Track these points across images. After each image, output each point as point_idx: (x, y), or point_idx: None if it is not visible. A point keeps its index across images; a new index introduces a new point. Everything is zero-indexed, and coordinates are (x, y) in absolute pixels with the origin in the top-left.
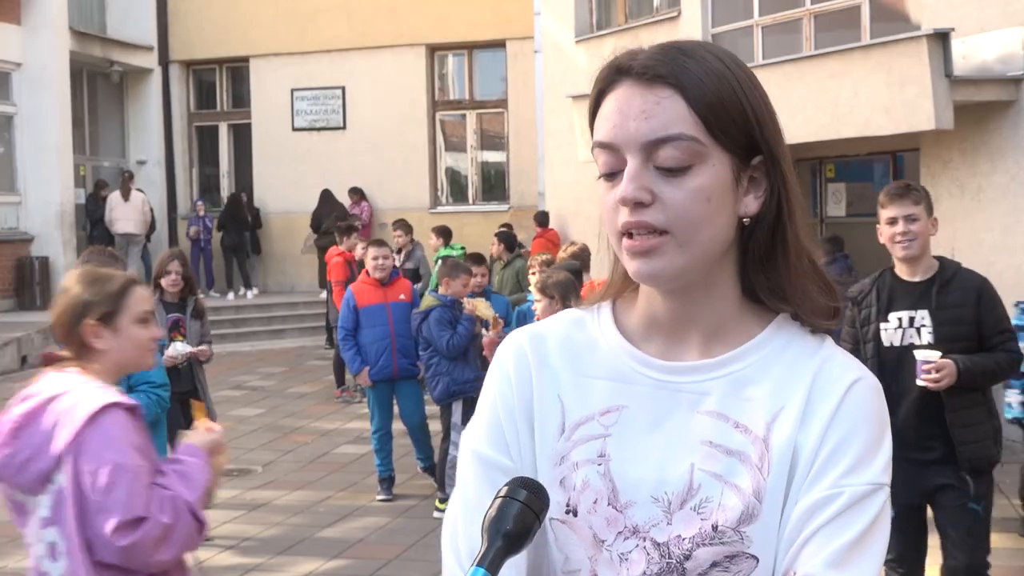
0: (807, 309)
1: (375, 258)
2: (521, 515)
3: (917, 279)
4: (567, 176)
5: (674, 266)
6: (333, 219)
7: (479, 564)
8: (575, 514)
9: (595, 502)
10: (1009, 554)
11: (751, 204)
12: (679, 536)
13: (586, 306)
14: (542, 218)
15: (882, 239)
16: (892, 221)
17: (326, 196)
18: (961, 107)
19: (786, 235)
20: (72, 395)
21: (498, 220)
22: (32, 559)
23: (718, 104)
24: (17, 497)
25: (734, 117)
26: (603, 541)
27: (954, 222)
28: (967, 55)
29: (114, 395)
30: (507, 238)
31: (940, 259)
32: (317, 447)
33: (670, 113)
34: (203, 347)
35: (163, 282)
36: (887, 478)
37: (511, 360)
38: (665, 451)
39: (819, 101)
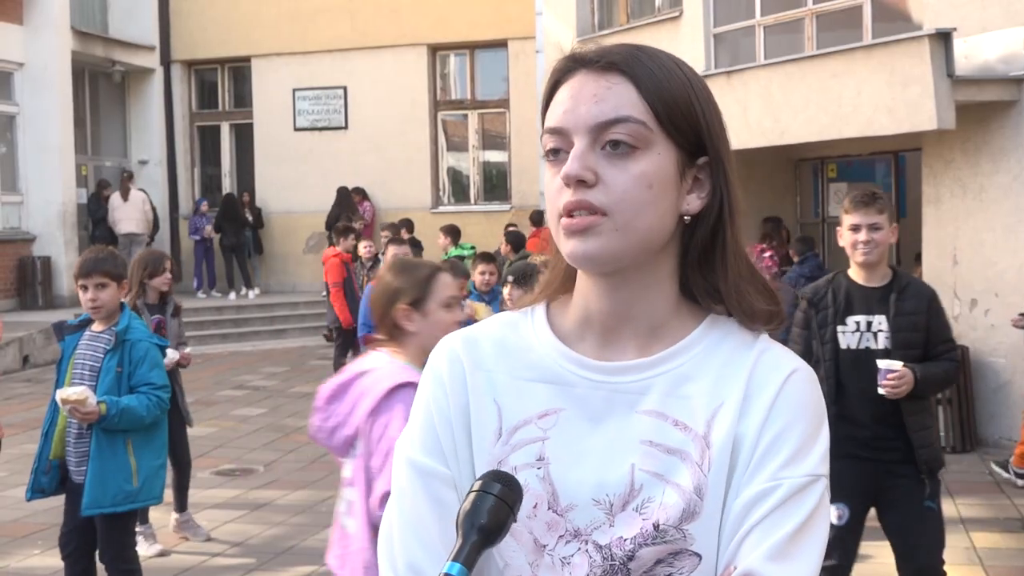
0: (741, 311)
1: (395, 256)
2: (495, 509)
3: (874, 285)
4: None
5: (609, 248)
6: (345, 218)
7: (455, 559)
8: (514, 519)
9: (535, 506)
10: (1010, 554)
11: (693, 202)
12: (621, 537)
13: (520, 308)
14: (537, 217)
15: (841, 242)
16: (855, 228)
17: (343, 195)
18: (963, 107)
19: (725, 237)
20: (378, 372)
21: (500, 220)
22: (337, 514)
23: (668, 97)
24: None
25: (683, 112)
26: (544, 546)
27: (956, 222)
28: (969, 55)
29: (413, 375)
30: (515, 238)
31: (892, 267)
32: (319, 447)
33: (620, 98)
34: (187, 351)
35: (156, 282)
36: (825, 469)
37: (444, 364)
38: (605, 453)
39: (821, 101)
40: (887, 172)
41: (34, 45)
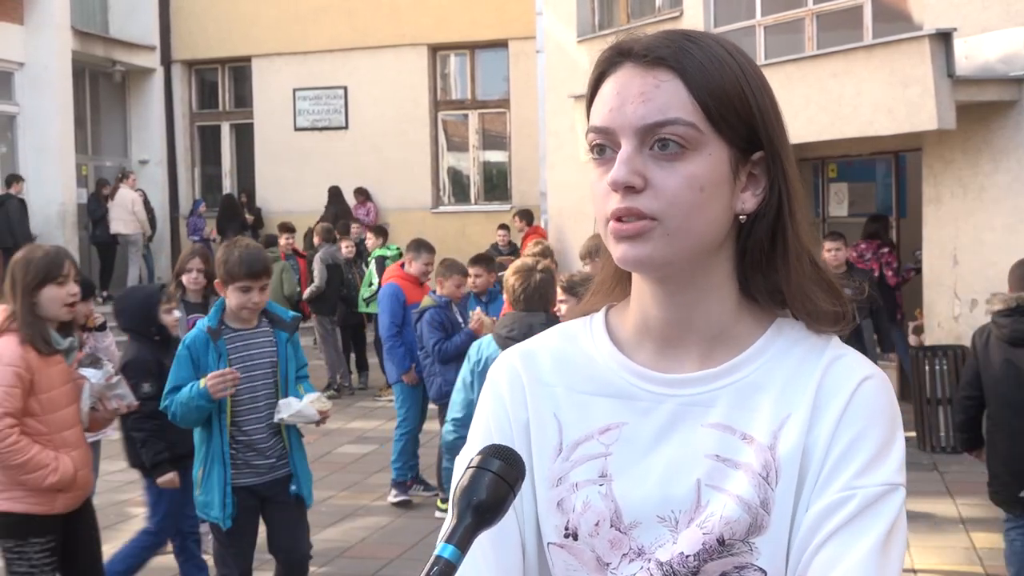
0: (807, 312)
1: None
2: (494, 486)
3: None
4: (569, 176)
5: (660, 253)
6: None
7: (447, 541)
8: (575, 537)
9: (597, 524)
10: None
11: (748, 201)
12: (682, 554)
13: (579, 315)
14: (527, 216)
15: None
16: None
17: (334, 194)
18: (963, 107)
19: (786, 235)
20: None
21: (500, 220)
22: None
23: (720, 92)
24: None
25: (736, 107)
26: (607, 564)
27: (956, 222)
28: (969, 55)
29: None
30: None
31: None
32: (319, 447)
33: (668, 97)
34: None
35: (184, 279)
36: (902, 478)
37: (504, 380)
38: (669, 468)
39: (821, 101)
40: (887, 172)
41: (34, 45)
